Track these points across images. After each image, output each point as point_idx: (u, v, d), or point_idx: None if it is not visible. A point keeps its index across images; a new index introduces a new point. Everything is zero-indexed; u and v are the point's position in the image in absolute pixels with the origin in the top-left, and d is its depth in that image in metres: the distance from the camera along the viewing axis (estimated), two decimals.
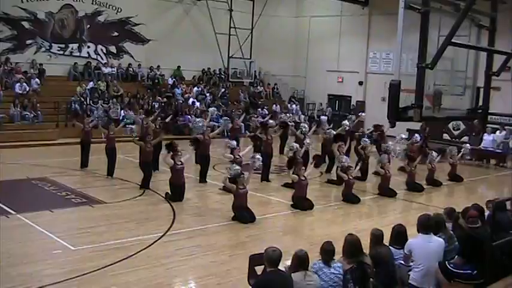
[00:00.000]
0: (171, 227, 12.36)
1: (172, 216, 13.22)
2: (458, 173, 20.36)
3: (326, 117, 29.68)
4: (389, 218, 14.22)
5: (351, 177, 15.99)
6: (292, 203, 14.88)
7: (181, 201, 14.72)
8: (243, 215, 13.13)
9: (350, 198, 15.75)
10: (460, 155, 20.92)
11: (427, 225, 7.57)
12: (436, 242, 7.52)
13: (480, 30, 8.36)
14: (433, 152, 19.61)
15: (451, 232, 8.29)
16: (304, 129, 20.00)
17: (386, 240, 7.89)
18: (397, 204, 16.40)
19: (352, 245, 7.05)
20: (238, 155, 16.53)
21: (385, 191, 16.86)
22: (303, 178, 14.92)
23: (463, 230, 8.17)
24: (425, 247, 7.39)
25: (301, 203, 14.69)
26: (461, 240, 7.79)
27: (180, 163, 14.93)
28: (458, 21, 6.88)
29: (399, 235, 7.95)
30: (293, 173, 14.92)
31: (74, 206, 13.96)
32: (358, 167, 17.68)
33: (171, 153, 14.91)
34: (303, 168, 15.57)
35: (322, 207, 15.33)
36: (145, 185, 16.00)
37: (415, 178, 18.06)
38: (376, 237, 7.60)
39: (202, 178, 17.41)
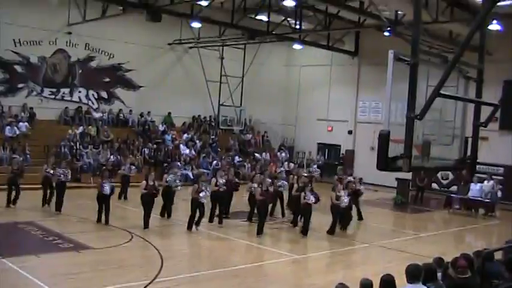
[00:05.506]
0: (158, 274, 12.22)
1: (160, 263, 13.08)
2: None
3: (316, 166, 29.93)
4: (378, 267, 14.12)
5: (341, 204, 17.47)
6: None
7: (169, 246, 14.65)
8: None
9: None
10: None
11: (415, 274, 7.53)
12: None
13: (468, 81, 8.50)
14: None
15: (441, 282, 8.25)
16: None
17: None
18: (386, 253, 16.33)
19: None
20: None
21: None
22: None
23: (453, 280, 8.14)
24: None
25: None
26: None
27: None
28: (446, 73, 7.00)
29: (388, 285, 7.87)
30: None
31: (61, 251, 13.79)
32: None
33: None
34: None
35: (311, 256, 15.25)
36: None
37: None
38: (365, 286, 7.55)
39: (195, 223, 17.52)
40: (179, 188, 19.10)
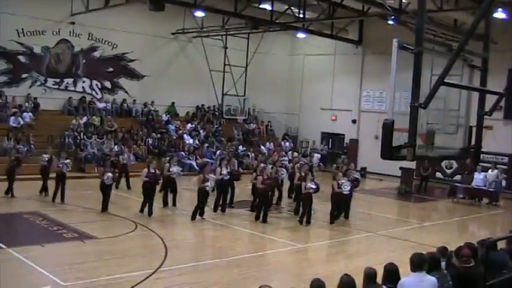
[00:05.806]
0: (162, 263, 12.25)
1: (164, 253, 13.10)
2: None
3: (319, 155, 29.93)
4: (381, 257, 14.13)
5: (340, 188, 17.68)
6: None
7: (173, 235, 14.68)
8: None
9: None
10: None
11: (419, 263, 7.52)
12: (428, 281, 7.46)
13: (472, 70, 8.44)
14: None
15: (445, 271, 8.24)
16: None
17: (379, 279, 7.83)
18: (390, 242, 16.34)
19: (347, 285, 6.97)
20: None
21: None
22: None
23: (457, 269, 8.13)
24: (418, 286, 7.32)
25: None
26: (455, 280, 7.74)
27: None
28: (451, 61, 6.94)
29: (391, 274, 7.86)
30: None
31: (65, 240, 13.84)
32: None
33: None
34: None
35: (314, 245, 15.27)
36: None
37: None
38: (369, 275, 7.54)
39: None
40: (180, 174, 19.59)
